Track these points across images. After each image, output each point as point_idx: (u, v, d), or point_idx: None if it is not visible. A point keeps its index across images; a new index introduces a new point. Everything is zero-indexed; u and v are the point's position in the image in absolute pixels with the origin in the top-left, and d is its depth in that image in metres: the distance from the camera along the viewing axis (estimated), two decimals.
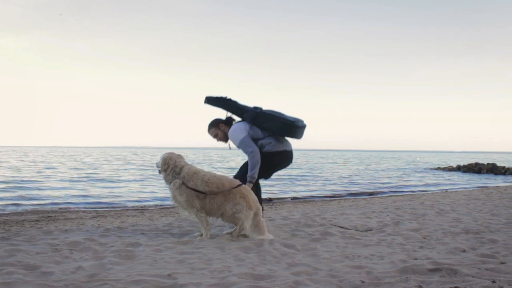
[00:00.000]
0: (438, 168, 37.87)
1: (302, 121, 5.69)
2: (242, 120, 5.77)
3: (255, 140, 5.58)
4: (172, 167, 5.11)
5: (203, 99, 5.90)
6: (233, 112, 5.84)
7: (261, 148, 5.58)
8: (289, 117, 5.61)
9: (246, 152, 5.52)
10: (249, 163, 5.51)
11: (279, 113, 5.65)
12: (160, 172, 5.23)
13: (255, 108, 5.72)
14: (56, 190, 14.82)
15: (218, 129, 5.83)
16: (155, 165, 5.40)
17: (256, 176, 5.49)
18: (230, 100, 5.81)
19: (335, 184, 20.17)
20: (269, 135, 5.64)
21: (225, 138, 5.85)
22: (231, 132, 5.66)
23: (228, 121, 5.87)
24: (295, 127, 5.58)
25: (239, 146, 5.60)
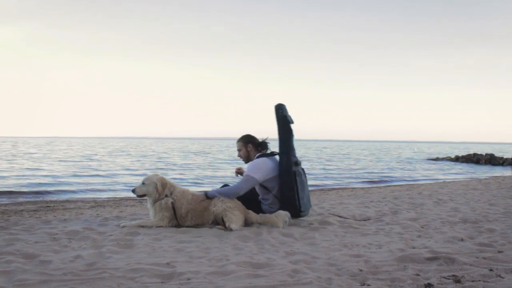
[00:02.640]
0: (437, 159, 37.95)
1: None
2: (271, 156, 5.55)
3: (264, 188, 5.42)
4: (169, 187, 5.33)
5: (276, 104, 5.52)
6: (280, 136, 5.51)
7: (263, 199, 5.51)
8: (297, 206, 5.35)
9: (242, 182, 5.31)
10: (232, 186, 5.36)
11: (300, 191, 5.38)
12: (138, 195, 5.29)
13: (296, 164, 5.40)
14: (56, 180, 14.81)
15: (245, 147, 5.63)
16: (133, 190, 5.31)
17: (215, 197, 5.29)
18: (289, 129, 5.50)
19: (333, 175, 20.20)
20: (274, 202, 5.45)
21: (245, 159, 5.66)
22: (253, 163, 5.42)
23: (260, 146, 5.62)
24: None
25: (247, 169, 5.39)
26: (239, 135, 5.73)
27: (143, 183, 5.30)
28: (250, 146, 5.63)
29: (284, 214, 5.22)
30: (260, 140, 5.67)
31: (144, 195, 5.31)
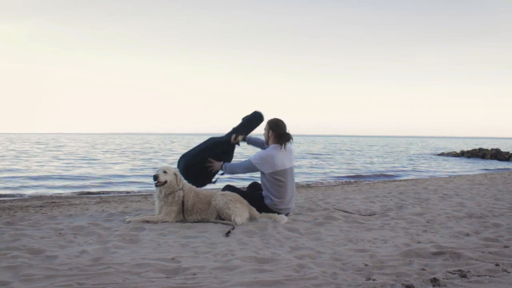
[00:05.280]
0: (442, 154, 37.82)
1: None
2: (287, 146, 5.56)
3: (276, 180, 5.40)
4: (182, 181, 5.43)
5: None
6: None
7: (265, 193, 5.53)
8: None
9: (243, 166, 5.47)
10: (238, 164, 5.52)
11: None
12: (159, 184, 5.23)
13: None
14: (61, 176, 14.87)
15: (267, 131, 5.61)
16: (156, 176, 5.25)
17: (227, 172, 5.61)
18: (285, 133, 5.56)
19: (338, 169, 20.17)
20: (281, 195, 5.47)
21: (266, 141, 5.69)
22: (262, 153, 5.42)
23: (280, 137, 5.52)
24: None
25: (254, 156, 5.45)
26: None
27: (164, 172, 5.26)
28: (272, 133, 5.57)
29: (284, 217, 5.25)
30: (284, 131, 5.55)
31: (163, 184, 5.23)
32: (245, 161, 5.51)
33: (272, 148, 5.46)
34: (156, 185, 5.23)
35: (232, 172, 5.61)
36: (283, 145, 5.46)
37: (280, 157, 5.40)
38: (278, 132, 5.52)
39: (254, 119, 6.13)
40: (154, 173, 5.27)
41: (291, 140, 5.52)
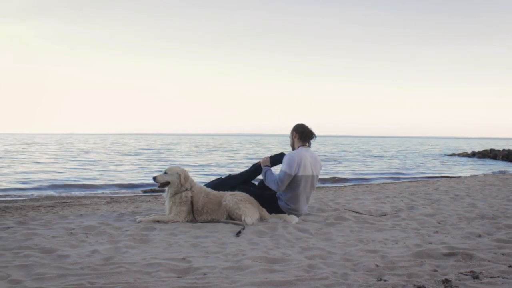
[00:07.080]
0: (453, 154, 37.53)
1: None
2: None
3: (290, 186, 5.40)
4: (190, 181, 5.41)
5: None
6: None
7: (280, 195, 5.52)
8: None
9: (279, 175, 5.35)
10: (273, 178, 5.42)
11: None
12: (160, 185, 5.34)
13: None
14: (71, 176, 14.97)
15: (292, 134, 5.61)
16: (155, 177, 5.36)
17: (264, 179, 5.57)
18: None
19: (348, 170, 20.10)
20: (294, 199, 5.45)
21: (291, 146, 5.67)
22: (291, 154, 5.40)
23: (301, 135, 5.53)
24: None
25: (282, 167, 5.38)
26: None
27: (165, 173, 5.34)
28: (295, 134, 5.58)
29: (295, 218, 5.25)
30: (306, 130, 5.54)
31: (165, 185, 5.33)
32: (279, 176, 5.40)
33: (300, 149, 5.47)
34: (158, 187, 5.38)
35: (265, 179, 5.55)
36: (308, 143, 5.53)
37: (308, 160, 5.40)
38: (301, 131, 5.55)
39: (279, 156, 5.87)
40: (153, 175, 5.40)
41: (314, 137, 5.56)
